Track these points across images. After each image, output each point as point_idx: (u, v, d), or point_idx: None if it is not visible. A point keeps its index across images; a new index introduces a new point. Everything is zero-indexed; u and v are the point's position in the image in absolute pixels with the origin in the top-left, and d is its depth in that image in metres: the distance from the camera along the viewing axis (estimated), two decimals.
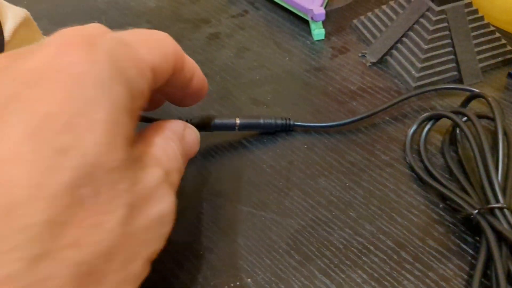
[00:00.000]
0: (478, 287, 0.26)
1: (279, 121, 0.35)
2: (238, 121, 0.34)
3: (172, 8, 0.48)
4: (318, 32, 0.43)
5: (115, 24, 0.46)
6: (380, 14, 0.42)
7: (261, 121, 0.34)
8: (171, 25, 0.46)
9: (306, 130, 0.35)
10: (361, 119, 0.35)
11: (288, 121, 0.35)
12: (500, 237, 0.27)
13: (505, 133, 0.31)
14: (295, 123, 0.35)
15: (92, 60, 0.18)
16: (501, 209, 0.27)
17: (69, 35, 0.19)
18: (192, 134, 0.26)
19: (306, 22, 0.44)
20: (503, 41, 0.39)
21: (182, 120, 0.27)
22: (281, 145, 0.34)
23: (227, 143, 0.35)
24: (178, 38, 0.43)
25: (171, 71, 0.23)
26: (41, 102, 0.17)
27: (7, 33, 0.26)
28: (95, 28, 0.20)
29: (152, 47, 0.22)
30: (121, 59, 0.19)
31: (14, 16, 0.28)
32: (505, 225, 0.27)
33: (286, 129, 0.35)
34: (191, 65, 0.25)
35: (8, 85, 0.17)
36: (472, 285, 0.26)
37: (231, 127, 0.34)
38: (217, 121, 0.33)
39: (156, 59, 0.21)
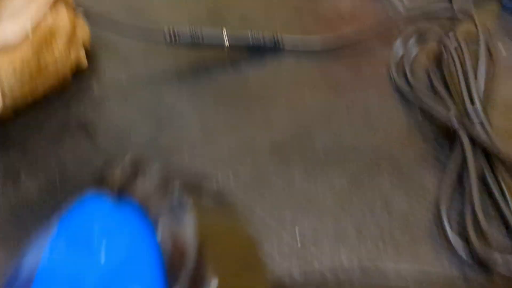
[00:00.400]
0: (450, 196, 0.26)
1: (268, 39, 0.35)
2: (226, 36, 0.34)
3: None
4: None
5: None
6: None
7: (250, 35, 0.35)
8: None
9: (295, 50, 0.36)
10: (350, 41, 0.35)
11: (277, 39, 0.35)
12: (475, 143, 0.27)
13: (488, 51, 0.31)
14: (285, 41, 0.35)
15: None
16: (478, 119, 0.28)
17: None
18: None
19: None
20: None
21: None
22: (269, 63, 0.35)
23: (217, 60, 0.35)
24: None
25: None
26: None
27: None
28: None
29: None
30: None
31: None
32: (482, 134, 0.28)
33: (275, 49, 0.35)
34: None
35: None
36: (440, 192, 0.26)
37: (217, 44, 0.34)
38: (206, 32, 0.34)
39: None
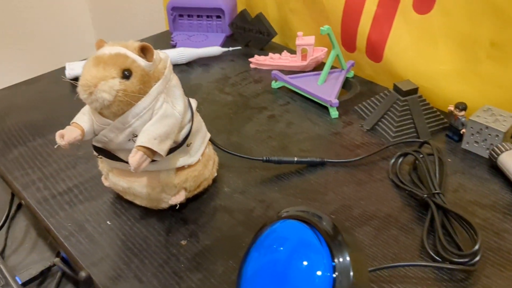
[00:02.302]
0: (427, 232, 0.52)
1: (318, 159, 0.62)
2: (295, 158, 0.62)
3: (243, 101, 0.77)
4: (334, 113, 0.72)
5: (209, 111, 0.75)
6: (370, 102, 0.72)
7: (309, 159, 0.62)
8: (244, 110, 0.75)
9: (333, 164, 0.63)
10: (364, 158, 0.63)
11: (323, 159, 0.62)
12: (438, 206, 0.53)
13: (440, 160, 0.59)
14: (327, 160, 0.63)
15: None
16: (438, 193, 0.54)
17: None
18: None
19: (325, 108, 0.74)
20: (442, 116, 0.69)
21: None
22: (319, 171, 0.62)
23: (289, 171, 0.62)
24: (249, 118, 0.72)
25: None
26: None
27: (194, 109, 0.55)
28: None
29: None
30: None
31: (194, 102, 0.56)
32: (440, 201, 0.54)
33: (322, 164, 0.63)
34: None
35: None
36: (423, 231, 0.52)
37: (291, 162, 0.62)
38: (283, 158, 0.61)
39: None
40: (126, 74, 0.46)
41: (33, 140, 0.70)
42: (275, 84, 0.80)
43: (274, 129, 0.71)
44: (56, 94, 0.82)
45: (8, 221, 0.74)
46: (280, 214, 0.45)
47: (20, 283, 0.63)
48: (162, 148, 0.48)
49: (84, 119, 0.50)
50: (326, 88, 0.76)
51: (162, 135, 0.48)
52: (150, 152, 0.47)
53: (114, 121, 0.48)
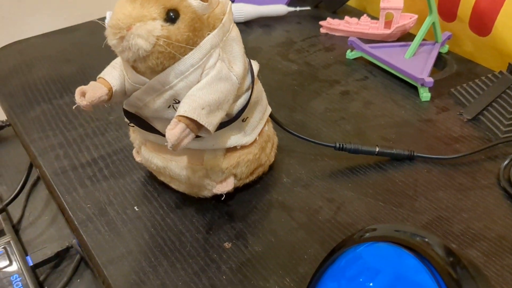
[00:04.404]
0: None
1: (406, 152, 0.49)
2: (377, 148, 0.48)
3: (310, 71, 0.64)
4: (425, 95, 0.57)
5: (269, 80, 0.62)
6: (473, 85, 0.57)
7: (394, 150, 0.48)
8: (311, 83, 0.61)
9: (425, 160, 0.49)
10: (465, 155, 0.49)
11: (412, 153, 0.49)
12: None
13: None
14: (417, 154, 0.49)
15: None
16: None
17: None
18: None
19: (413, 87, 0.59)
20: None
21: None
22: (406, 168, 0.48)
23: (366, 164, 0.49)
24: (317, 92, 0.59)
25: None
26: None
27: (255, 73, 0.42)
28: None
29: None
30: None
31: (255, 64, 0.43)
32: None
33: (411, 158, 0.49)
34: None
35: None
36: None
37: (371, 153, 0.48)
38: (361, 147, 0.48)
39: None
40: (172, 16, 0.34)
41: (60, 97, 0.60)
42: (350, 54, 0.66)
43: (348, 108, 0.57)
44: (93, 47, 0.71)
45: (28, 187, 0.65)
46: (365, 232, 0.32)
47: (31, 264, 0.54)
48: (210, 122, 0.36)
49: (114, 75, 0.39)
50: (415, 63, 0.61)
51: (212, 104, 0.36)
52: (195, 125, 0.35)
53: (150, 80, 0.36)
